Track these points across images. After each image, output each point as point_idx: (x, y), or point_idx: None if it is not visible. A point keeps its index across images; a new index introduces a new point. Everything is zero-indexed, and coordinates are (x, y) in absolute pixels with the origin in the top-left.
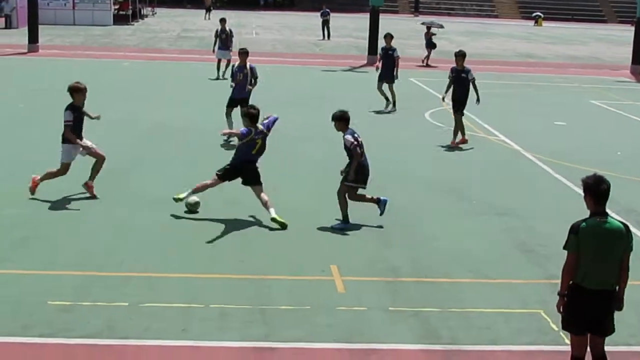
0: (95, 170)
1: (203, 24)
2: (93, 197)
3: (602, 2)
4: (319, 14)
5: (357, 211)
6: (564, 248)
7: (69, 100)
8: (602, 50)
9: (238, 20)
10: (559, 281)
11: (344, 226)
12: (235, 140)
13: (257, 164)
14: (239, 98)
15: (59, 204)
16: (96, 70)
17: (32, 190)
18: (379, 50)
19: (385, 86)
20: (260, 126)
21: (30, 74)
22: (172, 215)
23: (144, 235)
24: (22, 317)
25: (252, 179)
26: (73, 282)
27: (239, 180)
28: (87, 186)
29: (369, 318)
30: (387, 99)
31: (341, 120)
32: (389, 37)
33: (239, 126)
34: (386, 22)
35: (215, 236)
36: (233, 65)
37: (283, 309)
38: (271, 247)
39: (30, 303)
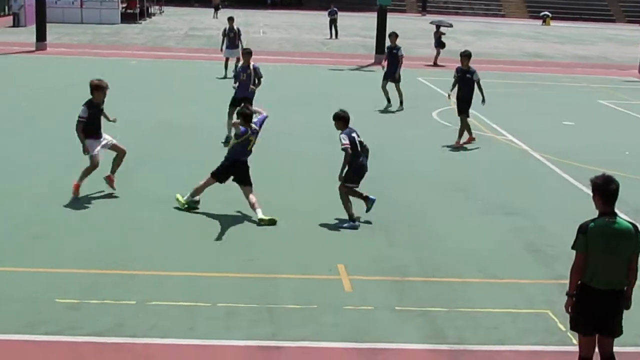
0: (116, 164)
1: (210, 22)
2: (112, 189)
3: (611, 2)
4: (326, 12)
5: (364, 210)
6: (573, 248)
7: (76, 98)
8: (610, 49)
9: (246, 19)
10: (566, 281)
11: (351, 225)
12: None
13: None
14: (242, 98)
15: (68, 203)
16: (103, 69)
17: (76, 193)
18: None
19: (390, 85)
20: (253, 125)
21: (37, 73)
22: (180, 214)
23: (152, 233)
24: (30, 315)
25: (244, 179)
26: (81, 280)
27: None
28: (109, 179)
29: (375, 317)
30: (388, 100)
31: (340, 119)
32: (393, 36)
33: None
34: (394, 21)
35: (222, 235)
36: (236, 66)
37: (290, 308)
38: (278, 246)
39: (39, 300)
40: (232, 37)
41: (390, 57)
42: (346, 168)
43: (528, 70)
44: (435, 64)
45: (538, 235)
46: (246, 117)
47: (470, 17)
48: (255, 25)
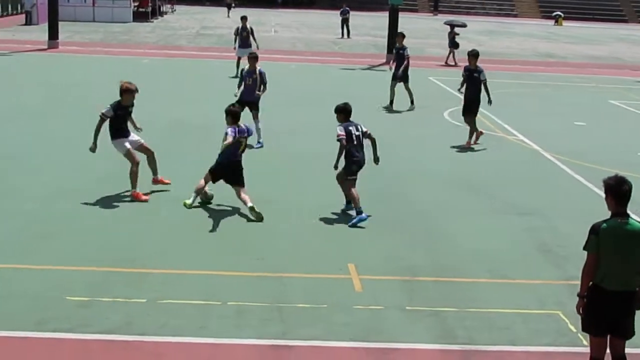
0: (153, 165)
1: (222, 21)
2: (166, 183)
3: (623, 2)
4: (338, 12)
5: (375, 209)
6: (584, 249)
7: (87, 96)
8: (622, 50)
9: (257, 18)
10: (577, 282)
11: (360, 219)
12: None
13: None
14: (247, 100)
15: (79, 200)
16: (115, 67)
17: (143, 199)
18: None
19: (400, 86)
20: (242, 125)
21: (49, 71)
22: (191, 213)
23: (163, 231)
24: (40, 312)
25: (237, 179)
26: (91, 277)
27: (259, 178)
28: (158, 182)
29: (386, 317)
30: (391, 101)
31: (341, 112)
32: (400, 36)
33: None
34: (405, 21)
35: (233, 234)
36: (242, 70)
37: (300, 307)
38: (289, 245)
39: (49, 298)
40: (244, 37)
41: (397, 58)
42: (342, 159)
43: (540, 71)
44: (445, 63)
45: (549, 236)
46: (234, 115)
47: (482, 17)
48: (267, 24)
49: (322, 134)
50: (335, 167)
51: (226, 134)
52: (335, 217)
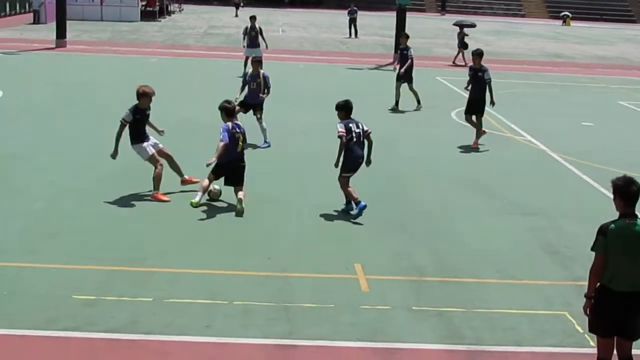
0: (176, 169)
1: (230, 20)
2: (194, 182)
3: (632, 2)
4: (346, 12)
5: (381, 209)
6: (592, 249)
7: (95, 95)
8: (630, 50)
9: (265, 17)
10: (584, 283)
11: (360, 207)
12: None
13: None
14: (251, 103)
15: (86, 199)
16: (123, 66)
17: (164, 200)
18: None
19: (404, 86)
20: (237, 121)
21: (57, 69)
22: (197, 212)
23: (170, 230)
24: (47, 311)
25: (238, 180)
26: (98, 276)
27: (265, 178)
28: (185, 182)
29: (392, 317)
30: (397, 102)
31: (342, 109)
32: (404, 36)
33: (249, 129)
34: (413, 21)
35: (239, 233)
36: (246, 74)
37: (306, 306)
38: (295, 244)
39: (56, 297)
40: (253, 36)
41: (401, 58)
42: (342, 157)
43: (547, 71)
44: (454, 64)
45: (556, 236)
46: (228, 111)
47: (489, 17)
48: (275, 23)
49: (329, 133)
50: (336, 165)
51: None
52: (341, 216)
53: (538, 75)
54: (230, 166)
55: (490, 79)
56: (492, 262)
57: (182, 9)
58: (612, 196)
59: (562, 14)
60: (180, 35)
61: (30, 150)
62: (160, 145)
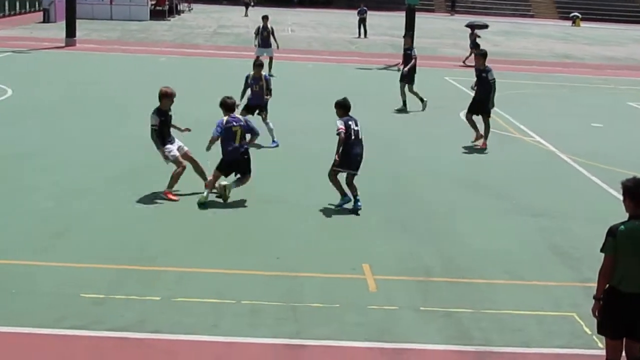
0: (200, 172)
1: (239, 20)
2: (216, 187)
3: None
4: (355, 12)
5: (389, 210)
6: (601, 251)
7: (105, 93)
8: (639, 51)
9: (274, 17)
10: (592, 284)
11: (344, 201)
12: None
13: (250, 155)
14: (255, 105)
15: (94, 198)
16: (132, 65)
17: (173, 199)
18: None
19: (406, 87)
20: (239, 116)
21: (67, 68)
22: (207, 211)
23: (178, 229)
24: (55, 309)
25: (245, 170)
26: (106, 275)
27: (273, 178)
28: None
29: (399, 317)
30: (404, 102)
31: (340, 107)
32: (408, 36)
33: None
34: (422, 21)
35: (248, 232)
36: (248, 77)
37: (314, 306)
38: (303, 244)
39: (64, 295)
40: (265, 36)
41: (405, 58)
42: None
43: (557, 72)
44: (464, 64)
45: (564, 237)
46: (226, 106)
47: (499, 17)
48: (284, 23)
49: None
50: (336, 161)
51: None
52: (349, 216)
53: (547, 76)
54: (234, 161)
55: (494, 79)
56: (501, 263)
57: (192, 9)
58: (621, 197)
59: (572, 14)
60: (190, 34)
61: (39, 149)
62: (186, 149)
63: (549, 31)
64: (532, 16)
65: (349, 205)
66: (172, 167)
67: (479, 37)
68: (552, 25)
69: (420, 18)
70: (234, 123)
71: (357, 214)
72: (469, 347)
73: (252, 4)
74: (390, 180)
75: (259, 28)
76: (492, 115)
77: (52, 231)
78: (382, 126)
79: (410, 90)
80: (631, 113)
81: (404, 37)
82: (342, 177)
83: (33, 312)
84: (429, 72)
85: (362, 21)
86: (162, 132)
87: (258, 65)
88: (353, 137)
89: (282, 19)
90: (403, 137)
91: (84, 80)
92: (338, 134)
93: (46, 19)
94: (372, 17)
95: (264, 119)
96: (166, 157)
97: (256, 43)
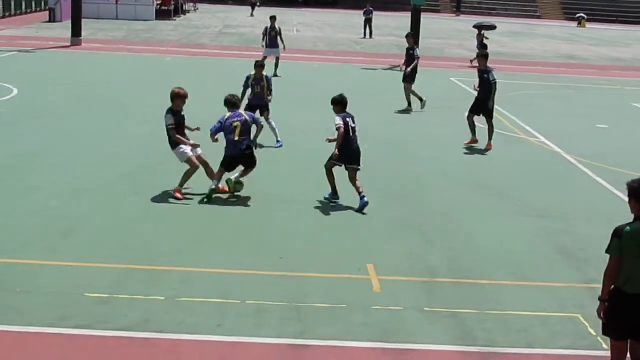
0: (211, 175)
1: (245, 20)
2: (229, 192)
3: None
4: (361, 12)
5: (393, 210)
6: (607, 252)
7: (111, 93)
8: None
9: (280, 17)
10: (597, 285)
11: (332, 197)
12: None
13: (254, 150)
14: (256, 105)
15: (100, 198)
16: (138, 65)
17: (179, 197)
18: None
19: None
20: (244, 114)
21: (73, 68)
22: (211, 211)
23: (182, 229)
24: (60, 308)
25: (250, 163)
26: (111, 274)
27: (277, 177)
28: (221, 191)
29: (404, 318)
30: (409, 102)
31: (338, 104)
32: (410, 36)
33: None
34: (428, 22)
35: (252, 232)
36: (249, 77)
37: (319, 306)
38: (308, 244)
39: (69, 294)
40: (273, 36)
41: (407, 58)
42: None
43: (562, 72)
44: (472, 64)
45: (570, 238)
46: (229, 103)
47: (504, 18)
48: (289, 23)
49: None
50: (335, 155)
51: None
52: (353, 217)
53: (553, 77)
54: (237, 156)
55: (495, 80)
56: (506, 264)
57: (197, 8)
58: (627, 199)
59: (578, 15)
60: (195, 34)
61: (44, 148)
62: (200, 151)
63: (554, 32)
64: (538, 17)
65: (326, 195)
66: (184, 167)
67: (486, 38)
68: (557, 26)
69: (425, 19)
70: (235, 118)
71: (364, 213)
72: (473, 348)
73: (258, 4)
74: (395, 180)
75: (266, 28)
76: (497, 116)
77: (57, 231)
78: (387, 126)
79: (410, 89)
80: (636, 114)
81: (406, 37)
82: (342, 176)
83: (37, 311)
84: (435, 73)
85: (368, 22)
86: (176, 133)
87: (260, 65)
88: (351, 134)
89: (287, 19)
90: (408, 137)
91: (89, 79)
92: (338, 129)
93: (52, 19)
94: (378, 17)
95: (267, 119)
96: (181, 157)
97: (264, 44)
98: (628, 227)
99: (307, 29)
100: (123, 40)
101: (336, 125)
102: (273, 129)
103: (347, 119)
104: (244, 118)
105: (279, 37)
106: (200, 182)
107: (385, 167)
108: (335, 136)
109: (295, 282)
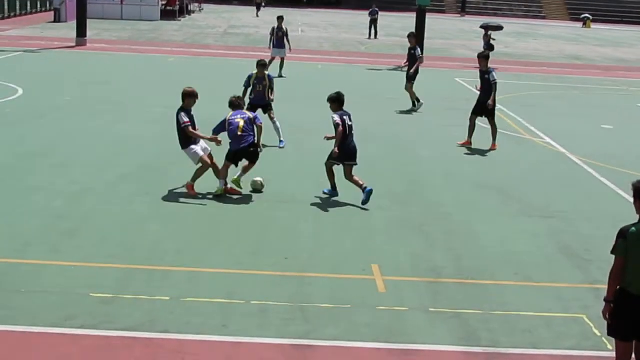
0: (218, 174)
1: (250, 20)
2: (238, 194)
3: None
4: (366, 12)
5: (398, 210)
6: (612, 252)
7: (115, 93)
8: None
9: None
10: (602, 286)
11: (331, 193)
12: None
13: (260, 149)
14: (257, 104)
15: (105, 197)
16: (142, 65)
17: (192, 193)
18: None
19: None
20: (247, 112)
21: (78, 68)
22: (216, 211)
23: (187, 229)
24: (65, 308)
25: (253, 158)
26: (115, 274)
27: (281, 177)
28: (227, 191)
29: (408, 318)
30: (413, 102)
31: (335, 102)
32: (412, 36)
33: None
34: (433, 22)
35: (256, 232)
36: (250, 76)
37: (323, 307)
38: (312, 245)
39: (74, 294)
40: (280, 37)
41: (409, 58)
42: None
43: (567, 73)
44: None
45: (574, 239)
46: (232, 105)
47: (509, 19)
48: (294, 24)
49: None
50: (334, 152)
51: None
52: (358, 217)
53: (557, 78)
54: (240, 151)
55: (495, 81)
56: (510, 264)
57: (202, 9)
58: (632, 199)
59: (583, 16)
60: (200, 34)
61: (49, 148)
62: (209, 149)
63: (559, 32)
64: (543, 17)
65: (326, 190)
66: (191, 166)
67: (493, 39)
68: (563, 26)
69: (430, 19)
70: (238, 116)
71: (365, 207)
72: (477, 349)
73: (263, 4)
74: (399, 180)
75: (273, 29)
76: (503, 116)
77: (62, 230)
78: (392, 126)
79: (407, 88)
80: None
81: (408, 36)
82: (342, 174)
83: (41, 311)
84: (440, 73)
85: (373, 22)
86: (186, 133)
87: (261, 65)
88: (348, 131)
89: (292, 19)
90: (413, 137)
91: (94, 79)
92: (336, 127)
93: (57, 19)
94: (383, 18)
95: (271, 118)
96: (193, 157)
97: (270, 45)
98: (633, 228)
99: (311, 30)
100: (128, 41)
101: (334, 123)
102: (277, 129)
103: (344, 117)
104: (246, 116)
105: (285, 38)
106: (207, 181)
107: (389, 167)
108: (334, 134)
109: (300, 282)
